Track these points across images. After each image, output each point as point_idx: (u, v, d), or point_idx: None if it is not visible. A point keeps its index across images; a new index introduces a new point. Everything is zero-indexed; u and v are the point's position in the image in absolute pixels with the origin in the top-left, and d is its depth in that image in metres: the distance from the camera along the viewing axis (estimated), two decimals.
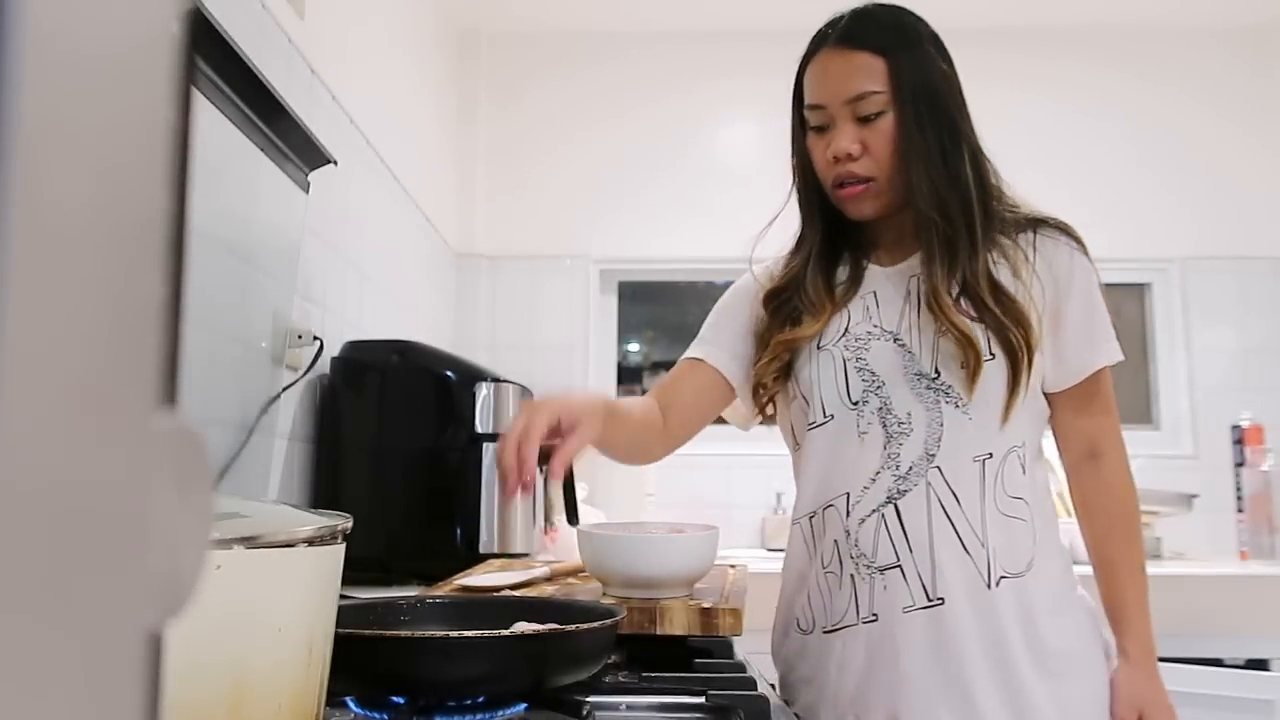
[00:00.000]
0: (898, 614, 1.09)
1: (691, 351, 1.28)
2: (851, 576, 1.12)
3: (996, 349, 1.11)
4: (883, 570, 1.10)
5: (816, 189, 1.22)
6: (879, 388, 1.14)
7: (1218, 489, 2.62)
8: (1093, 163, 2.96)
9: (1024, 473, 1.13)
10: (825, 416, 1.17)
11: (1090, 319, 1.16)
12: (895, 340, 1.15)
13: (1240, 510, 2.45)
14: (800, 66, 1.20)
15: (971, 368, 1.10)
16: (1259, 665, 1.98)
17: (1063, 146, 2.93)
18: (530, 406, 1.03)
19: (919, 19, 1.19)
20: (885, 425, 1.13)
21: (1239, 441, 2.50)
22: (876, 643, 1.10)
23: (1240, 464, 2.48)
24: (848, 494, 1.13)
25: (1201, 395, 2.90)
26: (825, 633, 1.14)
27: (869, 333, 1.17)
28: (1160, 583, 2.16)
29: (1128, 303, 3.00)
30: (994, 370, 1.11)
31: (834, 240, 1.23)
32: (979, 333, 1.10)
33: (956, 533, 1.09)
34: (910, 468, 1.11)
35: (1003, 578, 1.09)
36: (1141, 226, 2.94)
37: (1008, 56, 2.90)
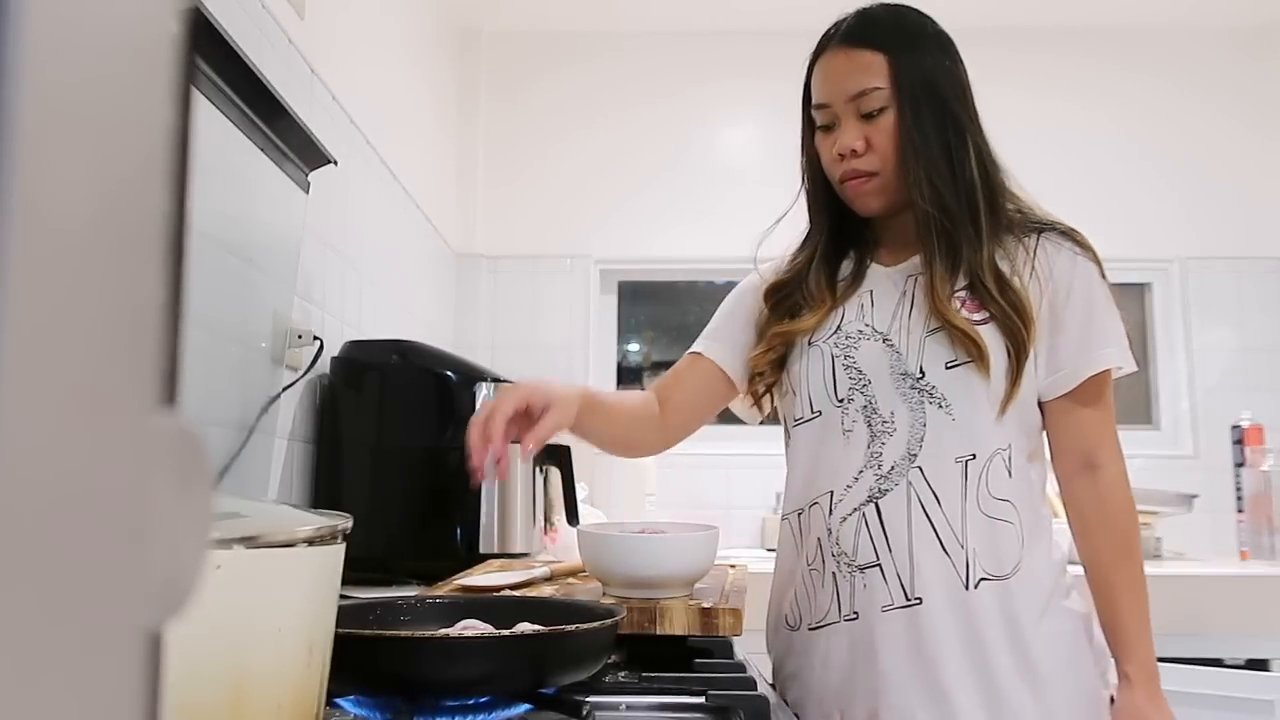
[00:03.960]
0: (877, 613, 1.09)
1: (694, 346, 1.30)
2: (834, 574, 1.12)
3: (998, 344, 1.10)
4: (863, 569, 1.10)
5: (824, 188, 1.23)
6: (865, 386, 1.14)
7: (1218, 489, 2.62)
8: (1093, 162, 2.96)
9: (1010, 475, 1.11)
10: (812, 413, 1.18)
11: (1088, 324, 1.14)
12: (884, 340, 1.15)
13: (1240, 510, 2.45)
14: (808, 68, 1.21)
15: (975, 359, 1.09)
16: (1259, 665, 1.98)
17: (1063, 146, 2.93)
18: (502, 390, 1.07)
19: (925, 17, 1.19)
20: (870, 424, 1.13)
21: (1239, 441, 2.50)
22: (857, 641, 1.10)
23: (1240, 464, 2.48)
24: (831, 492, 1.14)
25: (1201, 395, 2.90)
26: (810, 629, 1.15)
27: (860, 331, 1.17)
28: (1160, 583, 2.16)
29: (1128, 303, 2.99)
30: (983, 370, 1.10)
31: (840, 239, 1.24)
32: (986, 332, 1.10)
33: (935, 533, 1.09)
34: (892, 467, 1.11)
35: (983, 579, 1.08)
36: (1141, 226, 2.94)
37: (1008, 56, 2.90)
